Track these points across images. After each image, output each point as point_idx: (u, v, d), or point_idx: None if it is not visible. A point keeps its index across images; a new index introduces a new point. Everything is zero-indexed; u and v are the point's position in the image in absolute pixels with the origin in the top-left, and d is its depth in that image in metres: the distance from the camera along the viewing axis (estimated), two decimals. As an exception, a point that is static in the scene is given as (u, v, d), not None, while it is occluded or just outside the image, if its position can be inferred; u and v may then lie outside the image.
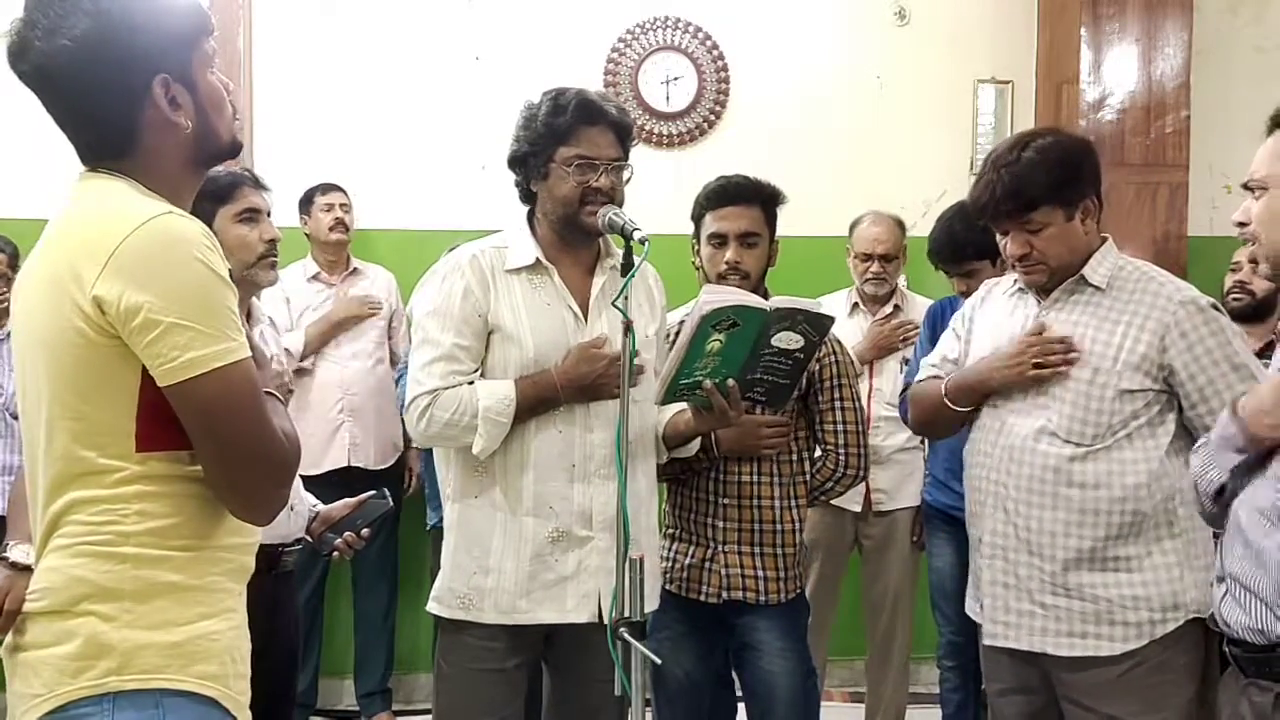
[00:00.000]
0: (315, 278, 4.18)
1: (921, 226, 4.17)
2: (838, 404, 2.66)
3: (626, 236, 2.13)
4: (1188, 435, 2.20)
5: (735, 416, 2.28)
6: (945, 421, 2.43)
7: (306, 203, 4.17)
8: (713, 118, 4.56)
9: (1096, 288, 2.21)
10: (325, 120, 4.39)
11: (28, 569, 1.54)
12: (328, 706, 4.31)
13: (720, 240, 2.62)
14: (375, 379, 4.14)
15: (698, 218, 2.69)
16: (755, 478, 2.60)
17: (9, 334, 1.76)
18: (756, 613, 2.60)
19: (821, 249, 4.12)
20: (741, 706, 2.87)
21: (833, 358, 2.65)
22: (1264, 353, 2.91)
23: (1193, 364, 2.12)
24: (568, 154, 2.23)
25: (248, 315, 2.38)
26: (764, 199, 2.65)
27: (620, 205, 2.24)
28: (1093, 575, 2.15)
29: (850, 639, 4.07)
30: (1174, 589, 2.13)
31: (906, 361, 3.65)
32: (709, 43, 4.55)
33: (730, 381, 2.22)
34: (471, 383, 2.22)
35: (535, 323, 2.25)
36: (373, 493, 2.56)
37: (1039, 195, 2.16)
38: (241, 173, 2.37)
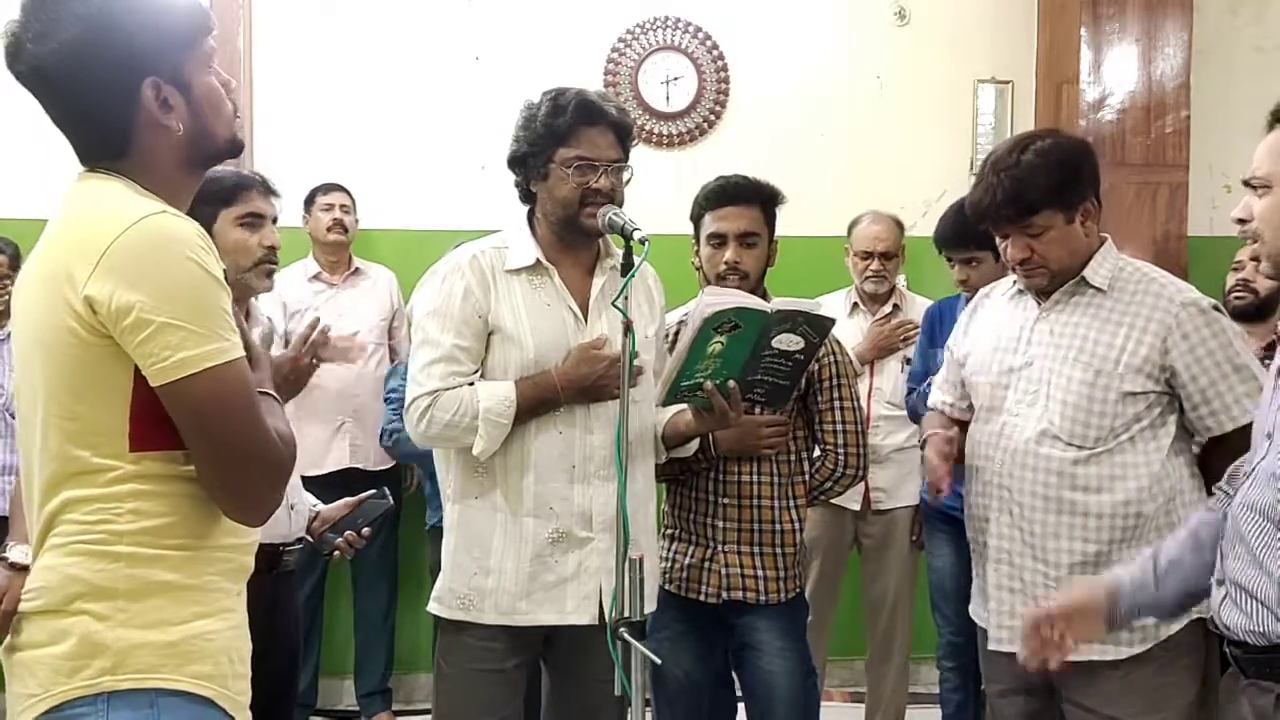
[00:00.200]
0: (316, 277, 4.18)
1: (921, 226, 4.17)
2: (837, 404, 2.66)
3: (626, 236, 2.13)
4: (1188, 436, 2.20)
5: (735, 417, 2.28)
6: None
7: (308, 203, 4.18)
8: (713, 118, 4.56)
9: (1097, 289, 2.21)
10: (325, 120, 4.39)
11: (26, 569, 1.54)
12: (328, 706, 4.31)
13: (719, 240, 2.62)
14: (376, 380, 4.14)
15: (697, 218, 2.69)
16: (754, 477, 2.60)
17: (9, 334, 1.76)
18: (756, 612, 2.60)
19: (821, 249, 4.12)
20: (741, 706, 2.87)
21: (832, 358, 2.65)
22: (1268, 351, 2.91)
23: (1194, 365, 2.12)
24: (567, 155, 2.23)
25: (246, 316, 2.38)
26: (763, 199, 2.65)
27: (620, 206, 2.23)
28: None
29: (850, 639, 4.07)
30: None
31: (908, 361, 3.65)
32: (709, 43, 4.55)
33: (731, 383, 2.23)
34: (472, 384, 2.22)
35: (535, 323, 2.24)
36: (372, 492, 2.56)
37: (1039, 199, 2.15)
38: (252, 176, 2.36)
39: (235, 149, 1.56)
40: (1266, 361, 2.18)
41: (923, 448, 2.50)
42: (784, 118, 4.53)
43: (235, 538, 1.49)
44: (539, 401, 2.21)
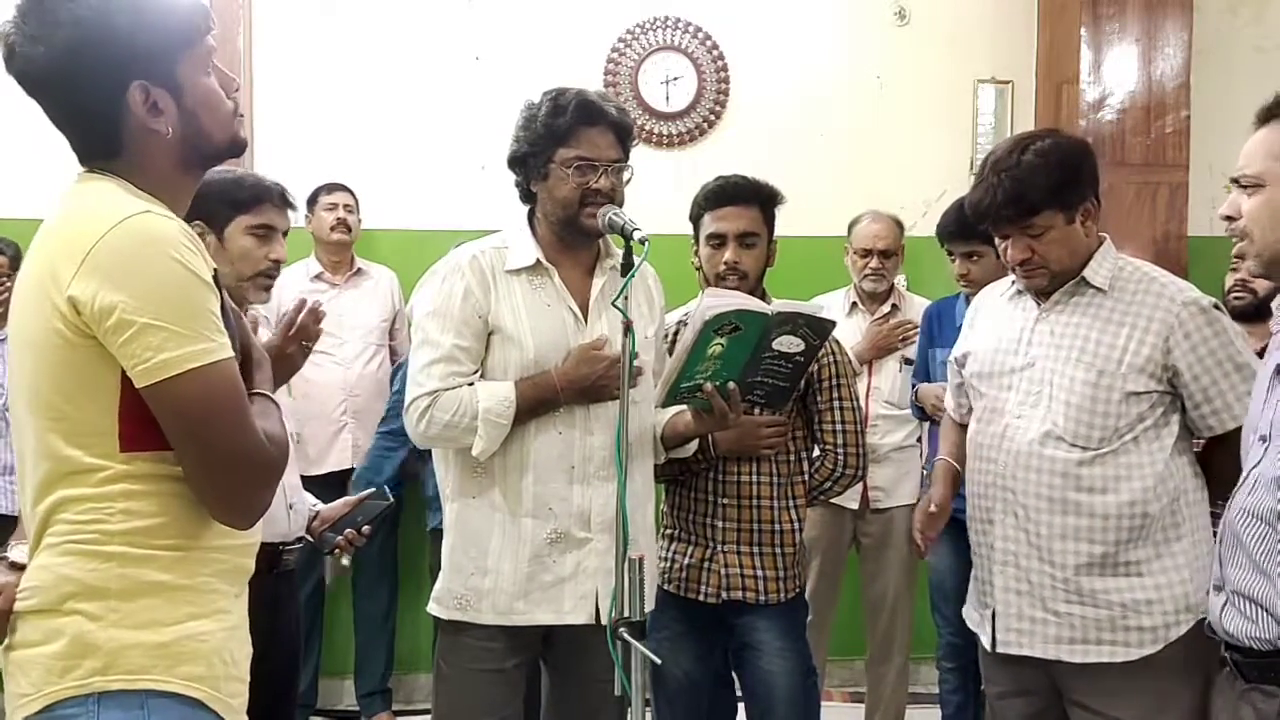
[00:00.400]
0: (318, 277, 4.19)
1: (921, 226, 4.18)
2: (836, 404, 2.66)
3: (626, 236, 2.13)
4: (1190, 435, 2.20)
5: (735, 419, 2.28)
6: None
7: (311, 202, 4.18)
8: (713, 118, 4.57)
9: (1098, 289, 2.20)
10: (325, 120, 4.40)
11: (25, 568, 1.54)
12: (328, 706, 4.31)
13: (719, 240, 2.62)
14: (377, 381, 4.15)
15: (696, 218, 2.69)
16: (754, 478, 2.60)
17: (8, 335, 1.75)
18: (756, 613, 2.60)
19: (821, 249, 4.12)
20: (741, 706, 2.87)
21: (831, 358, 2.65)
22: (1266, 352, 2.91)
23: (1196, 365, 2.12)
24: (567, 155, 2.23)
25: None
26: (762, 199, 2.65)
27: (620, 206, 2.23)
28: (1104, 580, 2.14)
29: (850, 639, 4.07)
30: (1185, 590, 2.12)
31: (907, 361, 3.66)
32: (709, 43, 4.55)
33: (730, 384, 2.22)
34: (471, 384, 2.22)
35: (535, 324, 2.24)
36: (372, 490, 2.57)
37: (1040, 200, 2.14)
38: (272, 187, 2.35)
39: (236, 149, 1.55)
40: (1265, 361, 2.18)
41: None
42: (784, 118, 4.53)
43: (229, 538, 1.48)
44: (539, 402, 2.21)
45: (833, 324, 2.30)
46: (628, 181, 2.30)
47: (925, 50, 4.61)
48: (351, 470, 4.04)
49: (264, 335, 2.54)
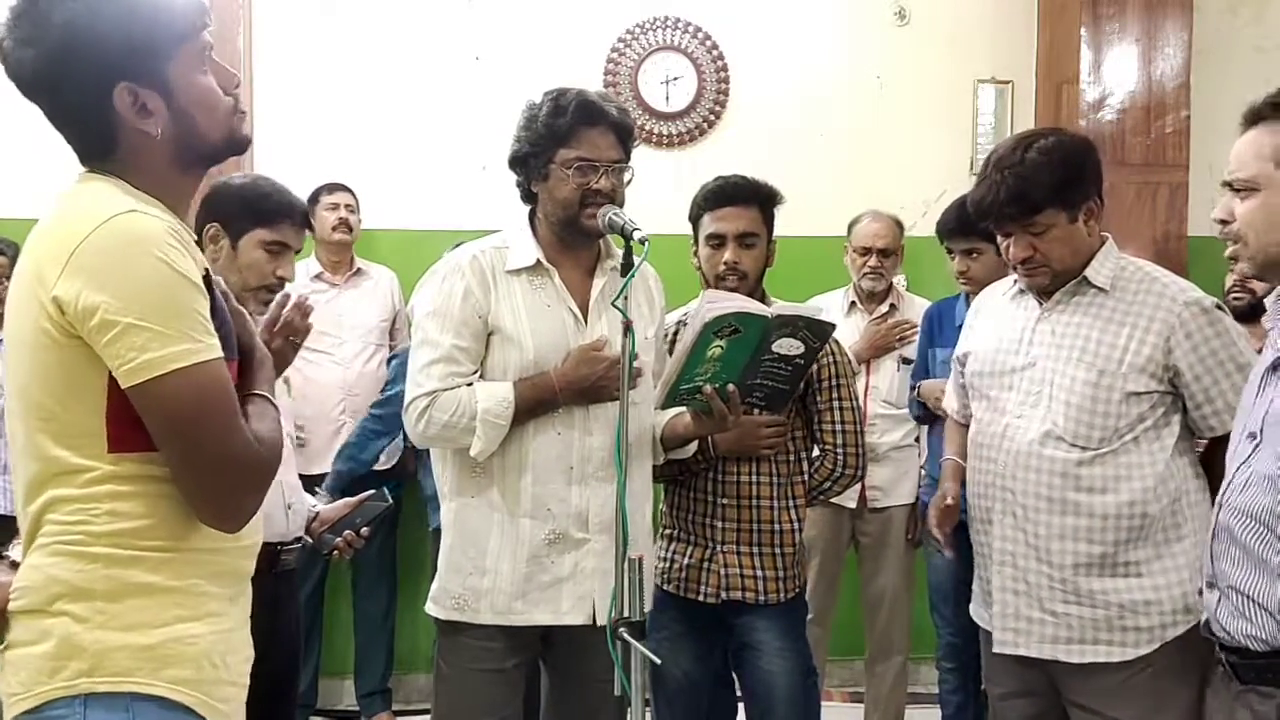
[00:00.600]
0: (318, 277, 4.19)
1: (921, 226, 4.18)
2: (835, 404, 2.66)
3: (626, 236, 2.12)
4: (1192, 435, 2.19)
5: (734, 421, 2.28)
6: None
7: (312, 202, 4.18)
8: (712, 118, 4.57)
9: (1099, 289, 2.20)
10: (325, 120, 4.39)
11: None
12: (328, 706, 4.31)
13: (718, 241, 2.62)
14: (377, 380, 4.14)
15: (695, 218, 2.69)
16: (753, 478, 2.60)
17: (5, 335, 1.75)
18: (755, 613, 2.60)
19: (821, 249, 4.12)
20: (741, 706, 2.87)
21: (830, 358, 2.65)
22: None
23: (1198, 365, 2.11)
24: (568, 155, 2.22)
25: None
26: (762, 199, 2.64)
27: (621, 206, 2.23)
28: (1103, 581, 2.13)
29: (850, 639, 4.06)
30: (1184, 591, 2.11)
31: (906, 361, 3.66)
32: (709, 43, 4.55)
33: (730, 387, 2.22)
34: (471, 384, 2.22)
35: (535, 324, 2.24)
36: (371, 492, 2.56)
37: (1043, 198, 2.14)
38: (296, 205, 2.36)
39: (236, 147, 1.53)
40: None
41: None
42: (784, 118, 4.53)
43: (220, 541, 1.46)
44: (537, 402, 2.20)
45: (833, 326, 2.30)
46: (628, 182, 2.29)
47: (925, 50, 4.61)
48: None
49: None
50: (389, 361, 3.99)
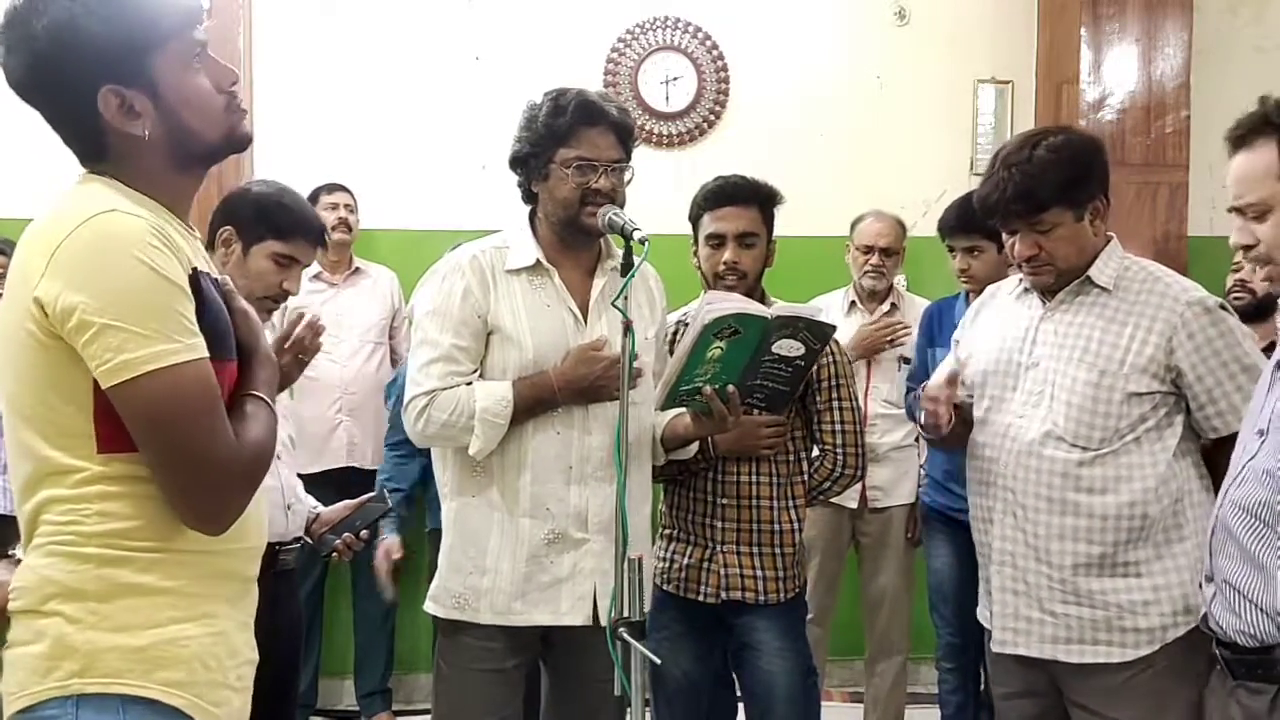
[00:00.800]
0: (317, 276, 4.19)
1: (922, 226, 4.17)
2: (835, 404, 2.66)
3: (626, 236, 2.12)
4: (1195, 436, 2.18)
5: (734, 422, 2.28)
6: (946, 445, 2.44)
7: (312, 201, 4.17)
8: (712, 118, 4.56)
9: (1103, 288, 2.19)
10: (325, 120, 4.39)
11: None
12: (328, 706, 4.31)
13: (718, 241, 2.62)
14: (375, 378, 4.15)
15: (695, 218, 2.69)
16: (753, 478, 2.60)
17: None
18: (755, 613, 2.60)
19: (821, 249, 4.12)
20: (741, 706, 2.87)
21: (830, 358, 2.65)
22: (1268, 352, 2.91)
23: (1200, 365, 2.10)
24: (567, 155, 2.22)
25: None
26: (762, 199, 2.65)
27: (621, 206, 2.23)
28: (1103, 581, 2.13)
29: (850, 638, 4.06)
30: (1184, 592, 2.10)
31: (905, 360, 3.65)
32: (709, 43, 4.55)
33: (730, 388, 2.22)
34: (470, 383, 2.22)
35: (535, 324, 2.24)
36: (372, 495, 2.57)
37: (1049, 196, 2.13)
38: (315, 224, 2.38)
39: (235, 145, 1.52)
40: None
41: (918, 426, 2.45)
42: (784, 118, 4.53)
43: (212, 542, 1.44)
44: (536, 401, 2.20)
45: (833, 328, 2.30)
46: (629, 182, 2.29)
47: (925, 50, 4.61)
48: (347, 468, 4.06)
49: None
50: (388, 389, 3.97)
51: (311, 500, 2.56)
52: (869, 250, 3.73)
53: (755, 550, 2.59)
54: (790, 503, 2.63)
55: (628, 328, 2.00)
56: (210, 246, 2.26)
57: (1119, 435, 2.13)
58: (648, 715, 2.44)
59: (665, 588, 2.64)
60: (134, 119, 1.42)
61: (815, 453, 2.70)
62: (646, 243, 2.05)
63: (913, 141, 4.58)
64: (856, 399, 2.72)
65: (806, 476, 2.68)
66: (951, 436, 2.32)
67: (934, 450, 3.47)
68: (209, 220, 2.36)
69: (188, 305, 1.38)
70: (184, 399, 1.35)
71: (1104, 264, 2.20)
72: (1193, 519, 2.13)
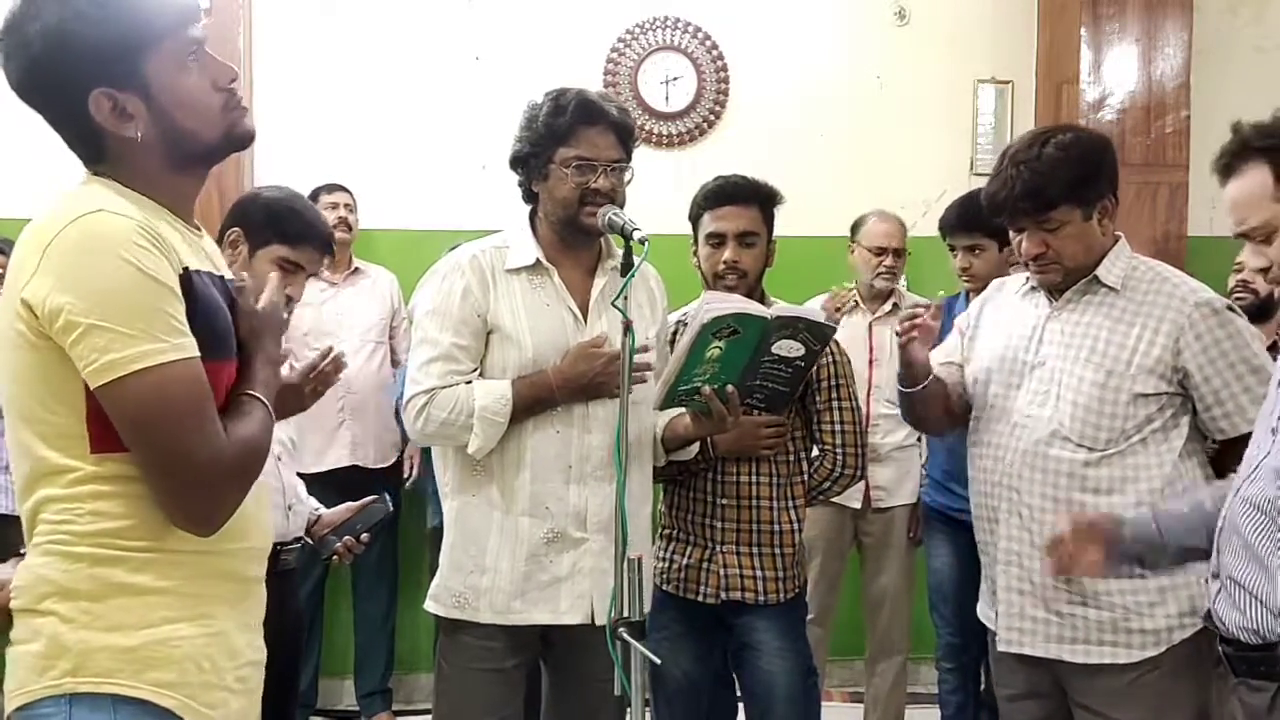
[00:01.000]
0: (316, 276, 4.18)
1: (921, 226, 4.17)
2: (835, 404, 2.66)
3: (626, 236, 2.12)
4: (1201, 437, 2.17)
5: (734, 422, 2.28)
6: (919, 410, 2.39)
7: (311, 201, 4.18)
8: (712, 118, 4.56)
9: (1110, 288, 2.18)
10: (325, 120, 4.39)
11: None
12: (328, 706, 4.31)
13: (718, 240, 2.62)
14: (376, 378, 4.15)
15: (695, 218, 2.69)
16: (753, 478, 2.60)
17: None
18: (755, 613, 2.60)
19: (821, 249, 4.12)
20: (741, 706, 2.87)
21: (830, 358, 2.64)
22: (1270, 352, 2.91)
23: (1207, 366, 2.09)
24: (567, 155, 2.22)
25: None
26: (762, 199, 2.65)
27: (621, 206, 2.23)
28: (1109, 582, 2.11)
29: (850, 638, 4.06)
30: (1191, 594, 2.10)
31: (907, 361, 3.65)
32: (709, 43, 4.54)
33: (729, 388, 2.22)
34: (469, 382, 2.22)
35: (534, 323, 2.24)
36: (374, 497, 2.57)
37: (1058, 194, 2.12)
38: (324, 232, 2.38)
39: (236, 143, 1.51)
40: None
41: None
42: (784, 118, 4.53)
43: (207, 543, 1.43)
44: (535, 400, 2.20)
45: (833, 329, 2.30)
46: (629, 182, 2.29)
47: (925, 50, 4.61)
48: (351, 468, 4.05)
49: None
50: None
51: (313, 501, 2.56)
52: (881, 252, 3.72)
53: (755, 550, 2.59)
54: (790, 503, 2.63)
55: (628, 327, 2.00)
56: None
57: (1125, 436, 2.12)
58: (648, 715, 2.44)
59: (665, 588, 2.64)
60: (127, 121, 1.42)
61: (815, 453, 2.70)
62: (646, 243, 2.05)
63: (913, 141, 4.57)
64: (856, 399, 2.72)
65: (806, 477, 2.68)
66: (925, 391, 2.30)
67: (935, 450, 3.47)
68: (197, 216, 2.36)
69: (176, 305, 1.38)
70: (170, 399, 1.35)
71: (1112, 263, 2.20)
72: None
